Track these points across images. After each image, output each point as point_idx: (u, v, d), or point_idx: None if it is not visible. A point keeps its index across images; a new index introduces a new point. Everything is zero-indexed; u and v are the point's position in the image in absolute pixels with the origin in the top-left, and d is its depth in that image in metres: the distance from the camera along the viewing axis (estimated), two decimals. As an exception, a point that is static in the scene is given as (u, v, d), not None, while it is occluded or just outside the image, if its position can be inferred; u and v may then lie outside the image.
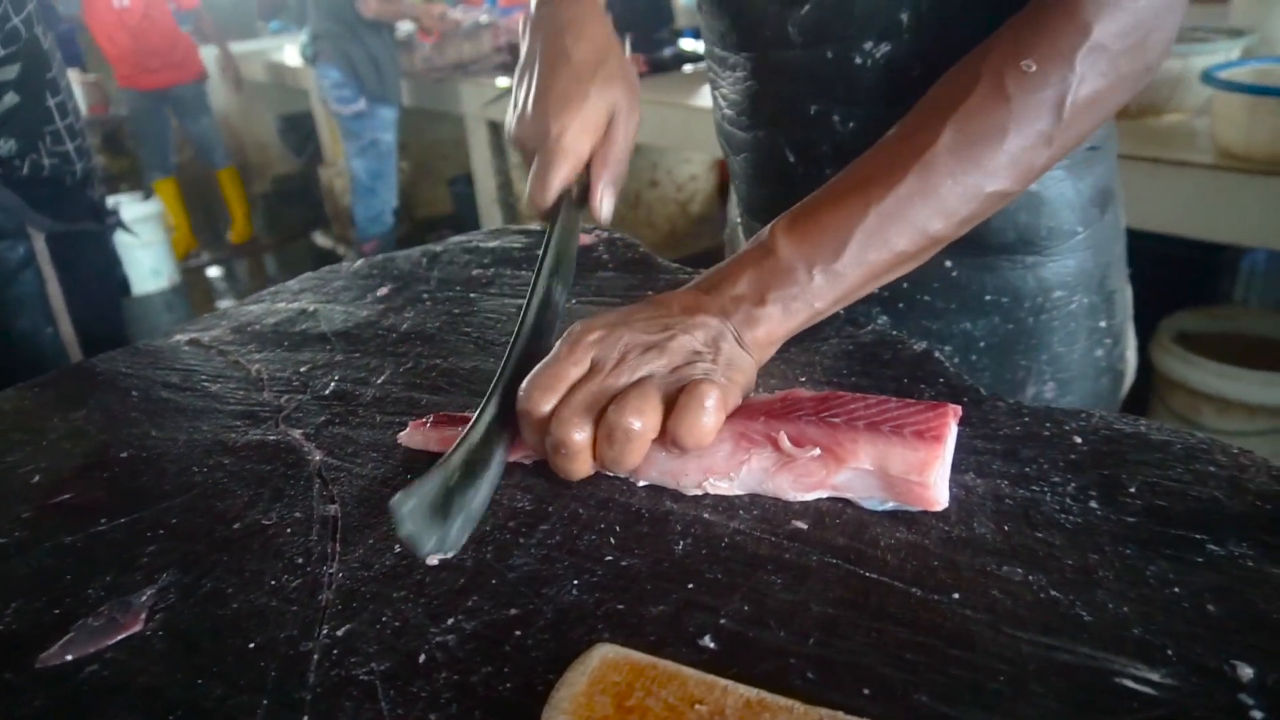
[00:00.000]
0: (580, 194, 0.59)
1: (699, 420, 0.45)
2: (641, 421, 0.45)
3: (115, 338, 1.53)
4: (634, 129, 0.60)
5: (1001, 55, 0.52)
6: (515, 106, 0.61)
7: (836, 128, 0.67)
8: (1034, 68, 0.51)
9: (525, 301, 0.55)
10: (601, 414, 0.46)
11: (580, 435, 0.46)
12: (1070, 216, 0.69)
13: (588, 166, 0.59)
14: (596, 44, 0.59)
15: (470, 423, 0.50)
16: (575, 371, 0.48)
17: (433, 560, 0.46)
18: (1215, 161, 1.48)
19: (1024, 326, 0.71)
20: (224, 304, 4.23)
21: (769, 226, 0.54)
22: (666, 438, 0.46)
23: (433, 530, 0.45)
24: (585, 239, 0.90)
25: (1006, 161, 0.51)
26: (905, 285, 0.71)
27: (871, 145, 0.66)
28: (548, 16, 0.61)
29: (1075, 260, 0.71)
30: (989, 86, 0.51)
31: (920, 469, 0.45)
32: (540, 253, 0.57)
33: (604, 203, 0.59)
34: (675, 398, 0.46)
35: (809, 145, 0.69)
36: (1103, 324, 0.74)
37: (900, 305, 0.72)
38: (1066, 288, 0.71)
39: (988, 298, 0.70)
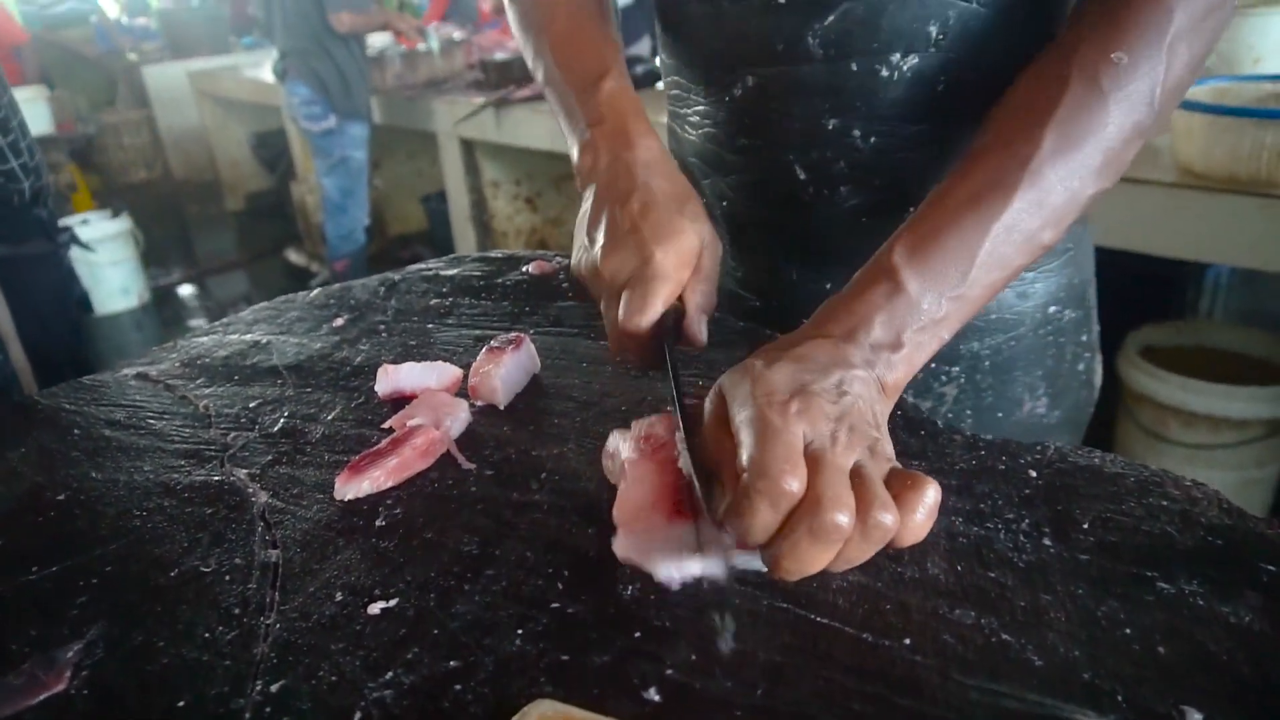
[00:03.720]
0: (674, 322, 0.58)
1: (926, 526, 0.42)
2: (891, 516, 0.41)
3: (73, 361, 1.50)
4: (718, 260, 0.60)
5: (1089, 50, 0.51)
6: (592, 243, 0.58)
7: (856, 144, 0.65)
8: (1125, 59, 0.50)
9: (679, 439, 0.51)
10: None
11: (847, 519, 0.40)
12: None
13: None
14: (678, 183, 0.60)
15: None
16: (800, 446, 0.42)
17: None
18: (1176, 179, 1.50)
19: (1024, 343, 0.72)
20: (196, 323, 4.17)
21: (887, 255, 0.50)
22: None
23: None
24: (546, 267, 0.89)
25: (1106, 160, 0.51)
26: None
27: (892, 161, 0.65)
28: (614, 166, 0.60)
29: (1064, 275, 0.73)
30: (1083, 84, 0.51)
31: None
32: (671, 384, 0.53)
33: (701, 328, 0.57)
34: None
35: (823, 163, 0.67)
36: (1084, 338, 0.76)
37: None
38: (1059, 303, 0.73)
39: (992, 316, 0.71)
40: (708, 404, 0.48)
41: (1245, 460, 1.77)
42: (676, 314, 0.57)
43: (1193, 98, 1.49)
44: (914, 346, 0.49)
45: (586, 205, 0.60)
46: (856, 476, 0.41)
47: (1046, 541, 0.47)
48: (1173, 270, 2.14)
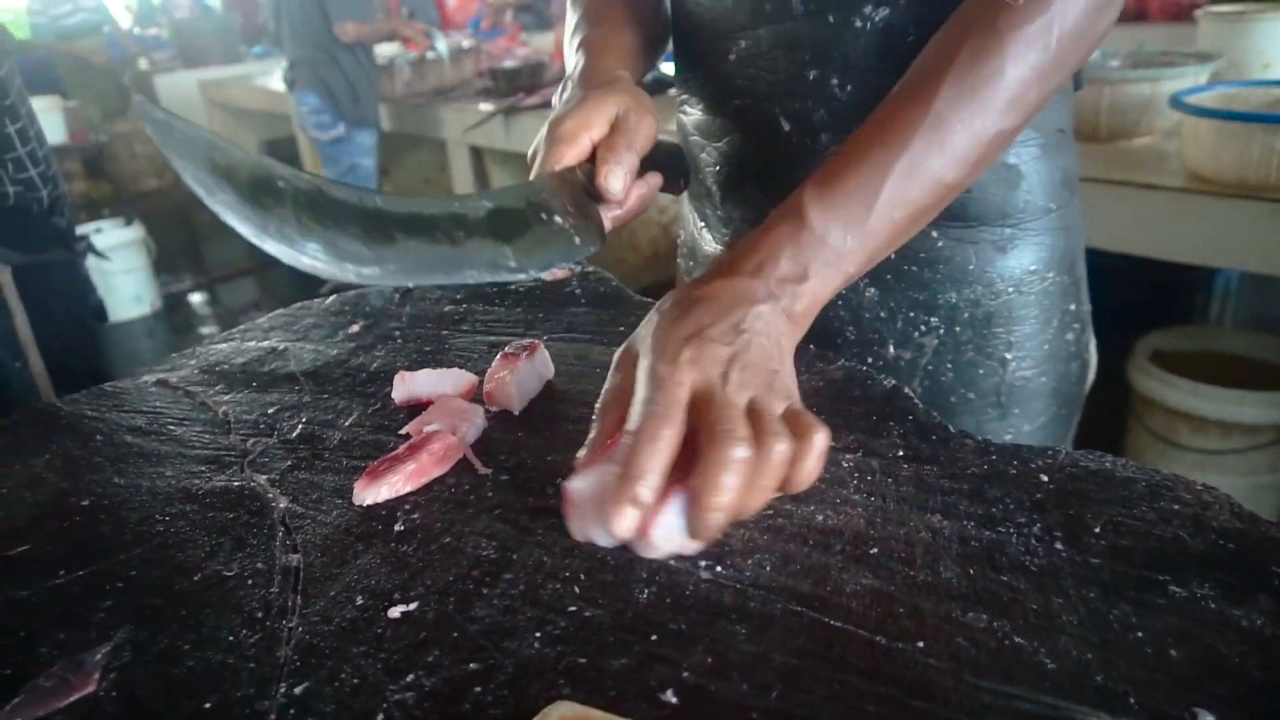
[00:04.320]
0: (588, 183, 0.59)
1: (816, 469, 0.46)
2: (786, 444, 0.45)
3: (89, 368, 1.52)
4: (646, 129, 0.62)
5: None
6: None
7: (834, 93, 0.69)
8: (1020, 1, 0.54)
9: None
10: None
11: (743, 450, 0.44)
12: (1044, 194, 0.73)
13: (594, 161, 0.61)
14: (603, 76, 0.65)
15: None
16: (684, 394, 0.47)
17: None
18: (1184, 184, 1.50)
19: (1004, 299, 0.74)
20: (207, 330, 4.20)
21: (796, 196, 0.55)
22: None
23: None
24: (559, 274, 0.90)
25: (1007, 99, 0.55)
26: (893, 257, 0.72)
27: (867, 109, 0.68)
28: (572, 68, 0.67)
29: (1050, 238, 0.74)
30: (981, 28, 0.55)
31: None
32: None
33: (609, 177, 0.59)
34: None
35: (805, 113, 0.71)
36: (1072, 307, 0.78)
37: (888, 277, 0.74)
38: (1042, 263, 0.74)
39: (971, 268, 0.73)
40: (618, 356, 0.53)
41: (1256, 465, 1.76)
42: (588, 174, 0.59)
43: (1201, 103, 1.50)
44: (819, 279, 0.53)
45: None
46: (752, 412, 0.46)
47: (1058, 546, 0.47)
48: (1182, 275, 2.14)
